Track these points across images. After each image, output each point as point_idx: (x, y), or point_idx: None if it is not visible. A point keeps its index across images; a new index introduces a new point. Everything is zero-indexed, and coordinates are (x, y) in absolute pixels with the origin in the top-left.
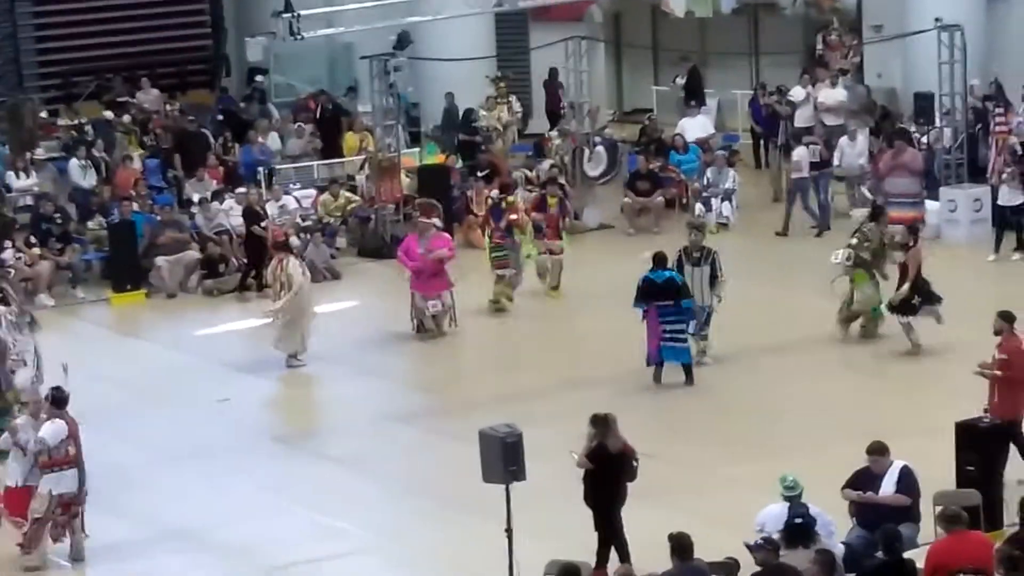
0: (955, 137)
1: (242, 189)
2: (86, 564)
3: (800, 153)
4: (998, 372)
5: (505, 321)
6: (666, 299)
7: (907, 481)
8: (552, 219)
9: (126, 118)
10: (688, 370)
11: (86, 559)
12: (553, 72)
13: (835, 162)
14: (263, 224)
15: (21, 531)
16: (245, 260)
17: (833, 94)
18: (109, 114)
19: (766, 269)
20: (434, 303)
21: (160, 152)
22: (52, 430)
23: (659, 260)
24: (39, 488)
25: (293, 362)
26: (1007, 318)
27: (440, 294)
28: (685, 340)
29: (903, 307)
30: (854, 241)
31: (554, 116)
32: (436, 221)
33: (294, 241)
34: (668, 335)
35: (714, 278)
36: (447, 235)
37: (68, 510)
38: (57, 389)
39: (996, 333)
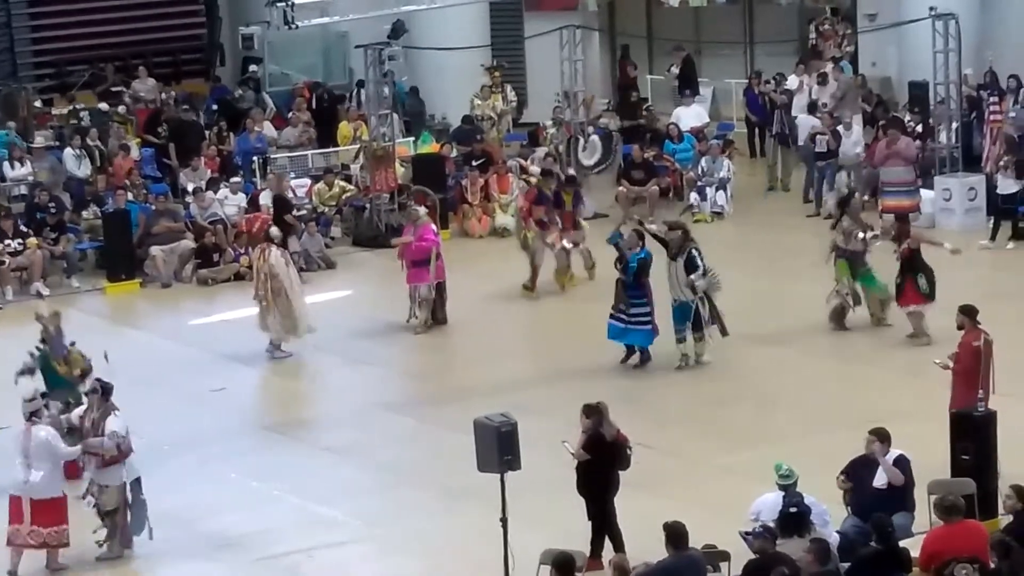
0: (949, 126)
1: (237, 179)
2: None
3: (802, 120)
4: (949, 363)
5: (498, 311)
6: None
7: (902, 469)
8: (568, 216)
9: (121, 108)
10: (644, 352)
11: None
12: (625, 49)
13: None
14: (294, 213)
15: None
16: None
17: (827, 90)
18: (104, 105)
19: (760, 258)
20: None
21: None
22: (121, 423)
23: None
24: (109, 481)
25: (277, 353)
26: (967, 312)
27: (416, 286)
28: (648, 323)
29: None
30: (840, 237)
31: (625, 91)
32: (421, 209)
33: (274, 232)
34: (632, 317)
35: (691, 271)
36: (431, 226)
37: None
38: (106, 381)
39: (959, 328)
